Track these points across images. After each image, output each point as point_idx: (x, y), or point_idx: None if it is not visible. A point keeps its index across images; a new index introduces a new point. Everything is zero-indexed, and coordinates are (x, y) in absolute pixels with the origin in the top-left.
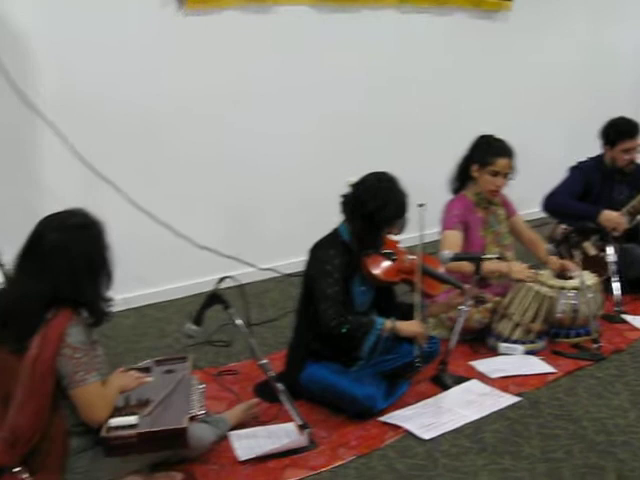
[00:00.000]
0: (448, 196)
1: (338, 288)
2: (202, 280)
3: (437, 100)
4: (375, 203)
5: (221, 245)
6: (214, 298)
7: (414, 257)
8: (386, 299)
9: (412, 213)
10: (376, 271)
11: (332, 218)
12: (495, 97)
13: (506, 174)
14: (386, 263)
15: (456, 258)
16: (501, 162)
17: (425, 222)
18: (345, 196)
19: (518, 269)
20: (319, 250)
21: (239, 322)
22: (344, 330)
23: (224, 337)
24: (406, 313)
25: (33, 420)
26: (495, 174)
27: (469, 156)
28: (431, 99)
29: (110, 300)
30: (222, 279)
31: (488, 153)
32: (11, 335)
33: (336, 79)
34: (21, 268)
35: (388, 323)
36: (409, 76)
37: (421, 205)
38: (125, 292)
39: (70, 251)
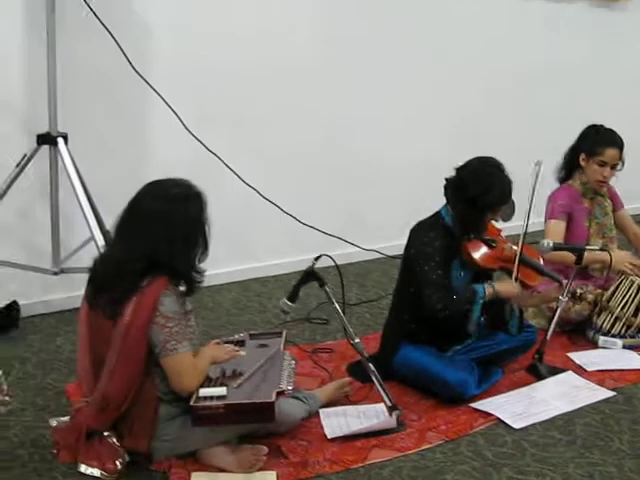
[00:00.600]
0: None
1: (441, 271)
2: (305, 257)
3: (556, 87)
4: (478, 187)
5: (326, 224)
6: (310, 275)
7: (514, 247)
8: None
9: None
10: (476, 256)
11: (436, 203)
12: (612, 88)
13: (614, 165)
14: (486, 249)
15: (557, 247)
16: (609, 152)
17: (539, 183)
18: (448, 179)
19: (621, 259)
20: (420, 231)
21: (333, 300)
22: (452, 311)
23: (323, 315)
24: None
25: (124, 386)
26: (603, 164)
27: (577, 145)
28: (550, 85)
29: (203, 272)
30: (319, 257)
31: (597, 143)
32: (107, 300)
33: (459, 56)
34: (120, 232)
35: (489, 290)
36: (530, 60)
37: (538, 163)
38: (230, 265)
39: (170, 219)
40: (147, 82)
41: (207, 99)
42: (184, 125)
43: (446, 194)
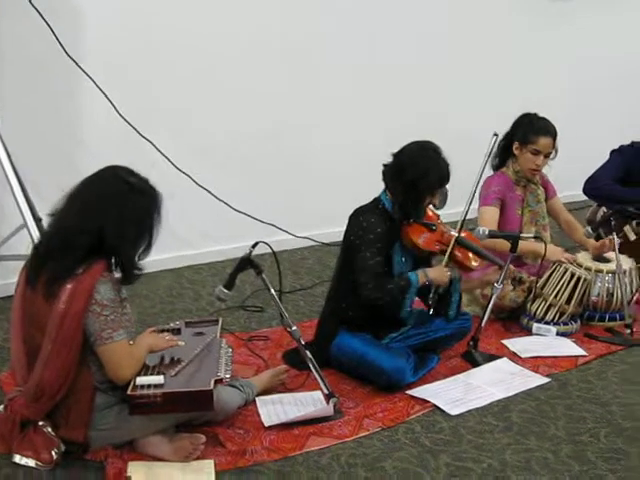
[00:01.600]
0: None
1: (379, 258)
2: (239, 245)
3: (490, 74)
4: (417, 170)
5: (260, 211)
6: (246, 262)
7: (454, 231)
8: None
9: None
10: (416, 239)
11: (373, 189)
12: (540, 77)
13: (547, 154)
14: (426, 232)
15: (493, 235)
16: (543, 141)
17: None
18: (386, 165)
19: (554, 251)
20: (360, 216)
21: (270, 287)
22: (387, 299)
23: (257, 303)
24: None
25: (59, 375)
26: (536, 153)
27: (511, 133)
28: (484, 69)
29: (142, 267)
30: (256, 244)
31: (530, 131)
32: (46, 277)
33: (388, 39)
34: (73, 205)
35: (420, 274)
36: (464, 43)
37: (496, 134)
38: (163, 253)
39: (129, 204)
40: (80, 67)
41: (140, 86)
42: (117, 111)
43: (385, 179)
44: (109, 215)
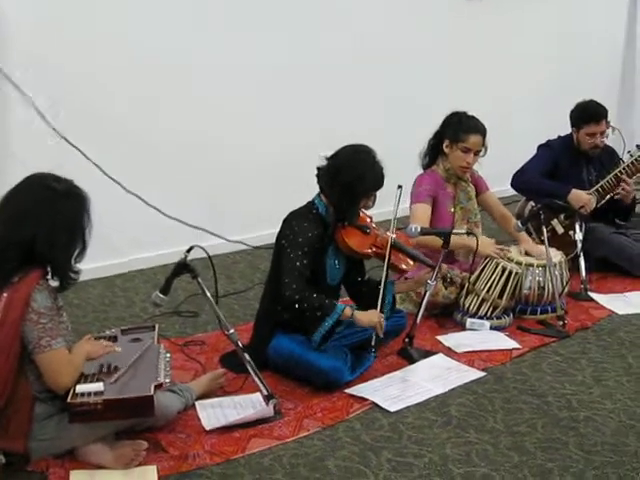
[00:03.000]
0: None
1: (307, 262)
2: (170, 251)
3: (410, 77)
4: (353, 173)
5: (190, 217)
6: (182, 267)
7: (387, 233)
8: (356, 275)
9: (386, 188)
10: (351, 242)
11: (302, 192)
12: (469, 77)
13: (477, 151)
14: (360, 235)
15: (425, 232)
16: (473, 139)
17: (399, 202)
18: (321, 168)
19: (486, 244)
20: (293, 220)
21: (206, 292)
22: (304, 306)
23: (191, 308)
24: (373, 291)
25: None
26: (466, 151)
27: (440, 132)
28: (404, 77)
29: (78, 271)
30: (190, 248)
31: (460, 130)
32: None
33: (309, 49)
34: (1, 216)
35: (348, 310)
36: (385, 48)
37: (400, 187)
38: (93, 261)
39: (57, 209)
40: (4, 74)
41: (67, 93)
42: (42, 117)
43: (319, 182)
44: (37, 224)
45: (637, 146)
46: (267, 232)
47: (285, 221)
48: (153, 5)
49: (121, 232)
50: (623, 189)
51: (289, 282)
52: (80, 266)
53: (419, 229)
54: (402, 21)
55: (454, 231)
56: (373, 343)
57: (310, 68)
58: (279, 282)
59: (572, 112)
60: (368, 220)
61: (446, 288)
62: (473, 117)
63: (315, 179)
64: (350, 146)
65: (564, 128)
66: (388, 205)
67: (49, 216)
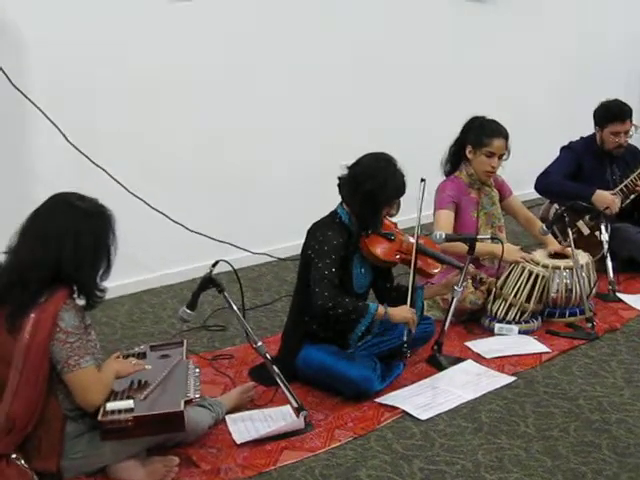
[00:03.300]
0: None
1: (335, 270)
2: (197, 265)
3: (429, 81)
4: (374, 182)
5: (215, 231)
6: (208, 281)
7: (412, 238)
8: (384, 282)
9: (410, 192)
10: (376, 250)
11: (326, 202)
12: (487, 78)
13: (501, 155)
14: (385, 243)
15: (449, 239)
16: (496, 143)
17: (424, 199)
18: (342, 178)
19: (511, 251)
20: (317, 231)
21: (233, 305)
22: (339, 312)
23: (219, 322)
24: (403, 297)
25: (28, 406)
26: (490, 155)
27: (461, 138)
28: (423, 80)
29: (104, 289)
30: (216, 263)
31: (483, 134)
32: (8, 312)
33: (325, 62)
34: (24, 240)
35: (381, 309)
36: (402, 55)
37: (423, 180)
38: (120, 279)
39: (81, 229)
40: (25, 95)
41: (89, 112)
42: (65, 138)
43: (341, 192)
44: (62, 245)
45: None
46: (292, 243)
47: (309, 232)
48: (172, 25)
49: (147, 249)
50: None
51: (320, 291)
52: (107, 284)
53: (444, 236)
54: (417, 25)
55: (479, 237)
56: (405, 338)
57: (323, 83)
58: (307, 293)
59: (596, 111)
60: (393, 226)
61: (476, 288)
62: (494, 121)
63: (336, 189)
64: (370, 154)
65: (583, 128)
66: (411, 212)
67: (74, 237)
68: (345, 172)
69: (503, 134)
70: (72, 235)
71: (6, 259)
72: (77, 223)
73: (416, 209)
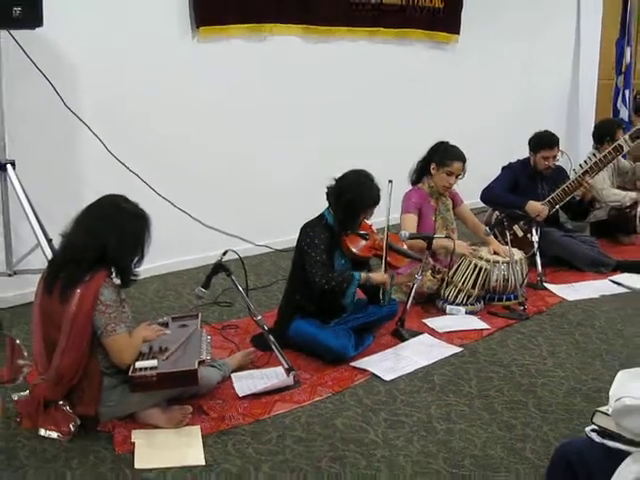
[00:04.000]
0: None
1: (325, 256)
2: (210, 254)
3: (400, 114)
4: (353, 194)
5: (225, 225)
6: (219, 267)
7: (383, 236)
8: (362, 269)
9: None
10: (353, 248)
11: (313, 206)
12: (446, 111)
13: (458, 175)
14: (361, 242)
15: (412, 237)
16: (456, 165)
17: (392, 200)
18: (329, 187)
19: (461, 245)
20: (308, 228)
21: (239, 286)
22: (332, 284)
23: (227, 299)
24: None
25: (74, 363)
26: (450, 174)
27: (429, 157)
28: (394, 113)
29: (137, 274)
30: (226, 252)
31: (446, 157)
32: (60, 284)
33: (318, 94)
34: (81, 226)
35: (363, 275)
36: (378, 93)
37: (390, 181)
38: (150, 262)
39: (126, 225)
40: (77, 116)
41: (126, 127)
42: (108, 150)
43: (328, 199)
44: (109, 235)
45: (573, 170)
46: (288, 237)
47: (302, 230)
48: (199, 61)
49: (172, 239)
50: (586, 184)
51: (315, 272)
52: (141, 267)
53: (407, 234)
54: (394, 69)
55: (436, 236)
56: (382, 296)
57: (319, 111)
58: (299, 277)
59: (531, 140)
60: (368, 227)
61: (434, 277)
62: (457, 147)
63: (324, 196)
64: (353, 171)
65: (522, 152)
66: (383, 215)
67: (119, 230)
68: (332, 183)
69: (462, 159)
70: (118, 229)
71: (62, 241)
72: (123, 221)
73: (386, 213)
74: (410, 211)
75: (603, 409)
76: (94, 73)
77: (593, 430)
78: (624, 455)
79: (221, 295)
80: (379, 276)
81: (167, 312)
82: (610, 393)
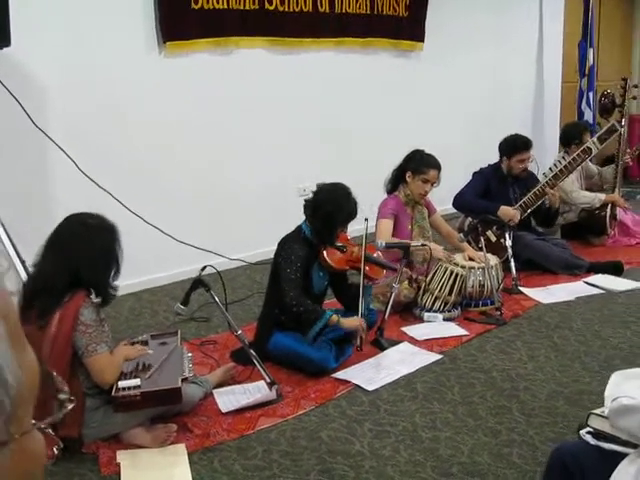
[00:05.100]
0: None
1: (300, 275)
2: (184, 269)
3: (367, 123)
4: (331, 207)
5: (198, 240)
6: (198, 282)
7: (360, 248)
8: (339, 282)
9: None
10: (330, 261)
11: (283, 220)
12: (413, 119)
13: (433, 182)
14: (338, 254)
15: (389, 246)
16: (432, 172)
17: (367, 230)
18: (307, 201)
19: (436, 249)
20: (286, 243)
21: (218, 302)
22: (300, 309)
23: (204, 314)
24: (355, 292)
25: None
26: (425, 181)
27: (404, 165)
28: (361, 122)
29: (116, 288)
30: (204, 267)
31: (422, 164)
32: (37, 312)
33: (285, 106)
34: (47, 255)
35: (334, 317)
36: (344, 103)
37: (367, 219)
38: (124, 280)
39: (93, 243)
40: (44, 133)
41: (98, 146)
42: (78, 167)
43: (305, 212)
44: (80, 256)
45: (543, 174)
46: (261, 250)
47: (280, 244)
48: (168, 78)
49: (145, 255)
50: (551, 194)
51: (288, 290)
52: (117, 285)
53: (384, 244)
54: (360, 78)
55: (412, 243)
56: (358, 343)
57: (285, 121)
58: (277, 291)
59: (502, 144)
60: (346, 238)
61: (411, 286)
62: (432, 155)
63: (300, 208)
64: (331, 184)
65: (490, 157)
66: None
67: (87, 249)
68: (310, 197)
69: (438, 166)
70: (88, 249)
71: (32, 271)
72: (92, 238)
73: (363, 221)
74: (386, 216)
75: (597, 411)
76: (62, 90)
77: (588, 432)
78: (620, 457)
79: (197, 311)
80: (351, 322)
81: (144, 330)
82: (605, 394)
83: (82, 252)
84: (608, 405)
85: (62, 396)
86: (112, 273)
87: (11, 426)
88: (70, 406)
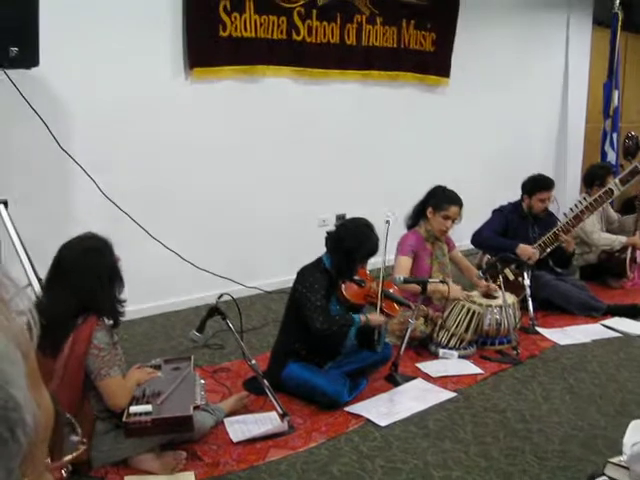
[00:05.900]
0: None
1: (325, 301)
2: (200, 295)
3: (390, 156)
4: (352, 242)
5: (216, 268)
6: (215, 310)
7: (378, 283)
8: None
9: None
10: (348, 295)
11: (300, 250)
12: (436, 154)
13: (454, 219)
14: (356, 289)
15: (407, 281)
16: (453, 209)
17: (388, 234)
18: (329, 233)
19: (456, 290)
20: (307, 272)
21: (234, 330)
22: (333, 329)
23: (218, 341)
24: (369, 329)
25: (66, 407)
26: (446, 218)
27: (426, 200)
28: (384, 155)
29: (124, 301)
30: (221, 295)
31: (443, 200)
32: (49, 343)
33: (308, 136)
34: (49, 288)
35: (362, 317)
36: (370, 135)
37: (388, 222)
38: (139, 304)
39: (85, 269)
40: (69, 154)
41: (122, 170)
42: (100, 190)
43: (326, 244)
44: (78, 287)
45: (564, 214)
46: (277, 280)
47: (299, 273)
48: (191, 104)
49: (161, 280)
50: (565, 240)
51: (316, 317)
52: (128, 307)
53: (402, 279)
54: (386, 111)
55: (430, 280)
56: (377, 338)
57: (309, 151)
58: (296, 321)
59: (526, 182)
60: (365, 273)
61: (427, 325)
62: (454, 191)
63: (319, 239)
64: (354, 219)
65: (509, 195)
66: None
67: (83, 278)
68: (332, 229)
69: (459, 203)
70: (90, 275)
71: (38, 302)
72: (91, 263)
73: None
74: (405, 253)
75: (615, 460)
76: (88, 114)
77: None
78: None
79: (212, 338)
80: (376, 317)
81: (157, 354)
82: (624, 441)
83: (78, 282)
84: (627, 452)
85: (75, 438)
86: (115, 288)
87: (26, 467)
88: (82, 448)
